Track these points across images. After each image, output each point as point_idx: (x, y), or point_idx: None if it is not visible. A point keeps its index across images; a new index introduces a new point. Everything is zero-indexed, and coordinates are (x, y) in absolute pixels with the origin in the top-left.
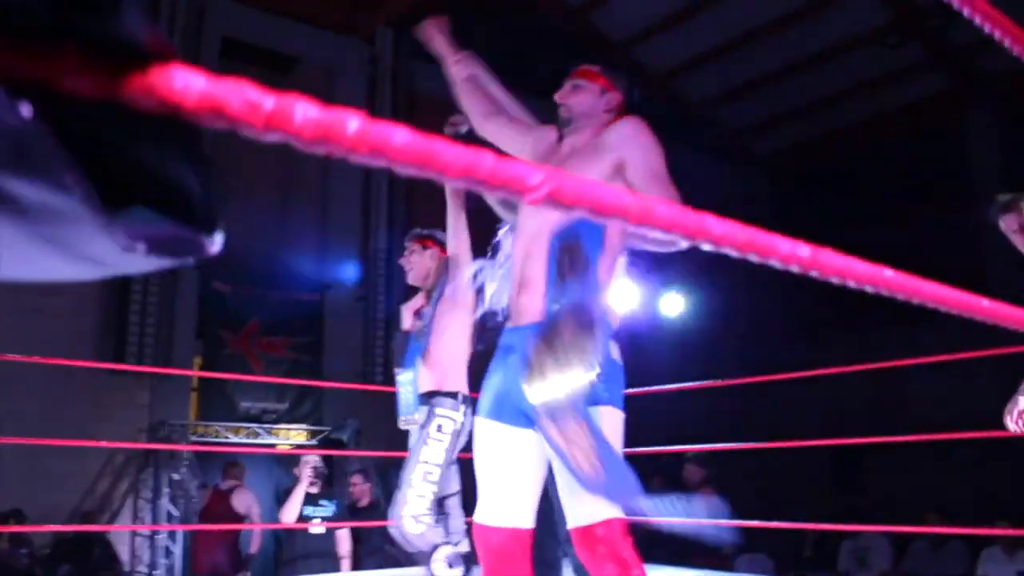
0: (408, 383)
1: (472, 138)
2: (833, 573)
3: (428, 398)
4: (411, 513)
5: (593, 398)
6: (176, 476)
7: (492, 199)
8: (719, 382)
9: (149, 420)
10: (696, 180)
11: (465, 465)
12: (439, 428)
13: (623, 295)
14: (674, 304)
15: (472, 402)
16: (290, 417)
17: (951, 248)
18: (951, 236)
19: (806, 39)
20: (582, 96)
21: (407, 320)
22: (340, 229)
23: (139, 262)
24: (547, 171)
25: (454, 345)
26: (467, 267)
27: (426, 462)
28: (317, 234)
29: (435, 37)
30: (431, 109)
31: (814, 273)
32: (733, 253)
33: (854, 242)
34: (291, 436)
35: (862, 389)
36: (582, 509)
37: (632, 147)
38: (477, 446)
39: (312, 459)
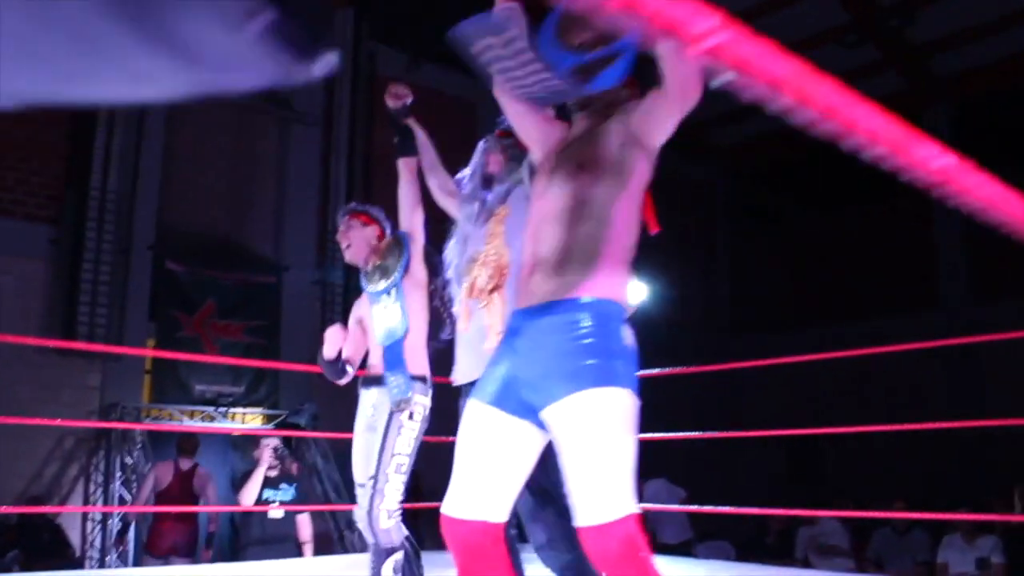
0: (399, 366)
1: (371, 105)
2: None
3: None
4: (387, 507)
5: (602, 379)
6: (129, 460)
7: (435, 187)
8: (679, 369)
9: (100, 403)
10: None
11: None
12: (411, 416)
13: (634, 286)
14: (637, 292)
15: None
16: (246, 401)
17: (903, 238)
18: (901, 230)
19: (764, 36)
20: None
21: (331, 347)
22: (298, 210)
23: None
24: (716, 19)
25: (416, 324)
26: (420, 243)
27: (399, 453)
28: (274, 215)
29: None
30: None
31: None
32: (873, 150)
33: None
34: (247, 420)
35: (820, 380)
36: (596, 505)
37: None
38: (465, 432)
39: (272, 441)
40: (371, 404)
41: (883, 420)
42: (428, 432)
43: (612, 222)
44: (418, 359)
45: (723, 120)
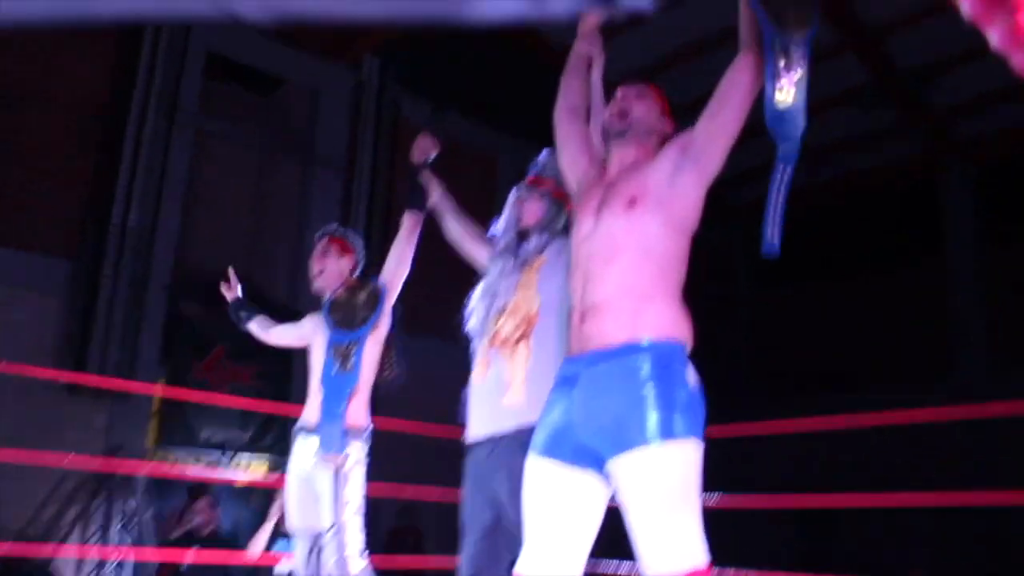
0: (337, 420)
1: (393, 151)
2: None
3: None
4: (353, 552)
5: (668, 431)
6: (130, 504)
7: (460, 234)
8: None
9: (105, 444)
10: None
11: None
12: (356, 463)
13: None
14: None
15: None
16: (253, 447)
17: (920, 304)
18: (922, 293)
19: None
20: (646, 108)
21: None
22: None
23: None
24: None
25: (365, 377)
26: (394, 298)
27: (351, 500)
28: (291, 259)
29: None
30: (413, 137)
31: None
32: None
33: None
34: (253, 467)
35: (834, 447)
36: (667, 557)
37: (688, 132)
38: (528, 487)
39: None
40: (310, 455)
41: (898, 490)
42: (428, 481)
43: (667, 259)
44: (359, 410)
45: (739, 180)
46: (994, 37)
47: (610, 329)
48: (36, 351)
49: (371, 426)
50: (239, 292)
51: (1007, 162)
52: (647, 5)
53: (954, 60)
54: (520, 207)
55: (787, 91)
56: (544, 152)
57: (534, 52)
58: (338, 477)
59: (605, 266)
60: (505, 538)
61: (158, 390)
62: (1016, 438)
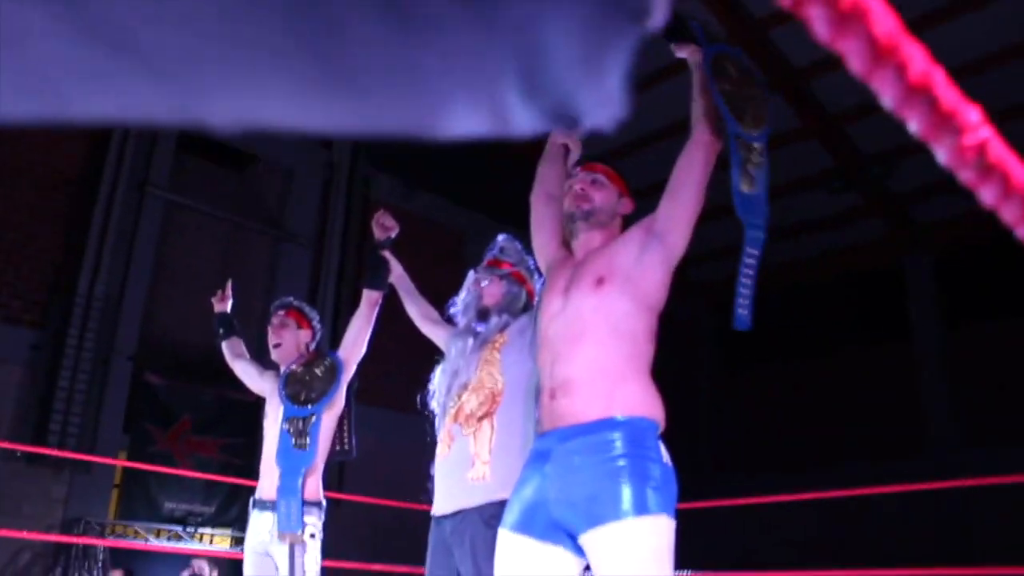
0: (294, 496)
1: (364, 230)
2: None
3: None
4: None
5: (642, 506)
6: None
7: (417, 315)
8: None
9: (63, 516)
10: None
11: None
12: (312, 536)
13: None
14: None
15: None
16: (216, 521)
17: (887, 384)
18: (888, 372)
19: None
20: (604, 193)
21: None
22: None
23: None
24: (980, 119)
25: (321, 452)
26: (350, 375)
27: (309, 570)
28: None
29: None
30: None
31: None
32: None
33: (795, 371)
34: (216, 541)
35: (802, 522)
36: None
37: (651, 215)
38: (501, 563)
39: (197, 562)
40: (266, 530)
41: (867, 565)
42: (405, 560)
43: (636, 337)
44: (314, 485)
45: (703, 257)
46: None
47: (582, 406)
48: None
49: (324, 500)
50: (228, 307)
51: (967, 245)
52: (608, 125)
53: (914, 146)
54: (479, 288)
55: (752, 180)
56: (503, 236)
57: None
58: (294, 550)
59: (574, 344)
60: None
61: (119, 462)
62: (987, 510)
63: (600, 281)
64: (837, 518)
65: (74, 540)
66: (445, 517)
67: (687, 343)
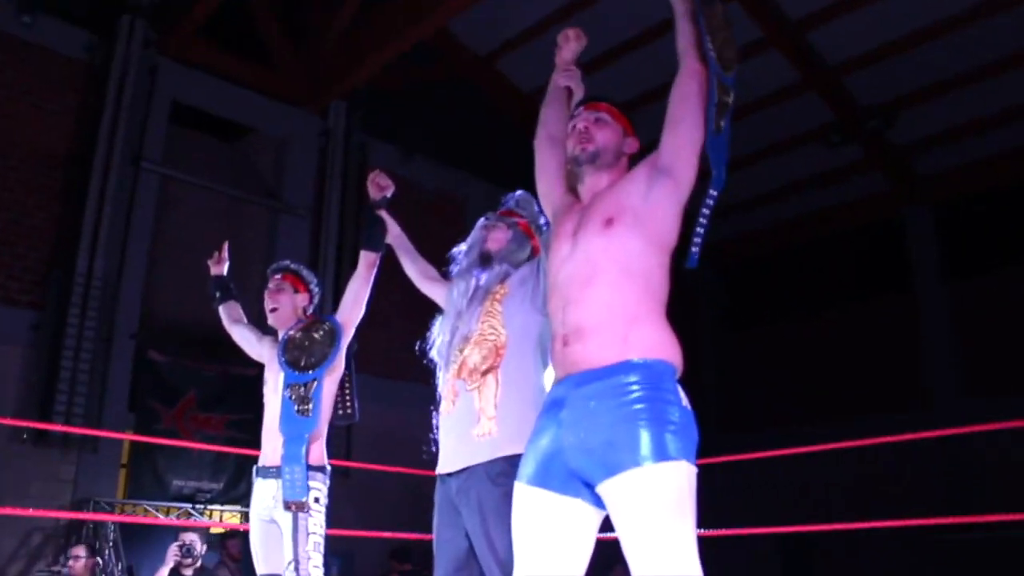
0: (299, 463)
1: (393, 205)
2: None
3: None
4: None
5: (662, 451)
6: (99, 559)
7: (415, 273)
8: None
9: (72, 497)
10: None
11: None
12: (316, 500)
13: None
14: None
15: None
16: (224, 498)
17: (889, 337)
18: (890, 325)
19: (749, 135)
20: (608, 131)
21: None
22: None
23: None
24: None
25: (323, 417)
26: (349, 337)
27: (313, 532)
28: (259, 305)
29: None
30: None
31: None
32: None
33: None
34: (225, 518)
35: (811, 478)
36: None
37: (655, 152)
38: (518, 518)
39: (188, 536)
40: (271, 495)
41: (876, 517)
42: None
43: (650, 276)
44: (318, 450)
45: (712, 219)
46: None
47: (597, 350)
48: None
49: (328, 465)
50: (224, 270)
51: (968, 196)
52: None
53: (914, 97)
54: (485, 232)
55: (722, 119)
56: (521, 192)
57: (500, 96)
58: (298, 515)
59: (585, 288)
60: (478, 570)
61: (125, 435)
62: (988, 461)
63: (609, 222)
64: (843, 472)
65: (83, 516)
66: (451, 475)
67: (689, 304)
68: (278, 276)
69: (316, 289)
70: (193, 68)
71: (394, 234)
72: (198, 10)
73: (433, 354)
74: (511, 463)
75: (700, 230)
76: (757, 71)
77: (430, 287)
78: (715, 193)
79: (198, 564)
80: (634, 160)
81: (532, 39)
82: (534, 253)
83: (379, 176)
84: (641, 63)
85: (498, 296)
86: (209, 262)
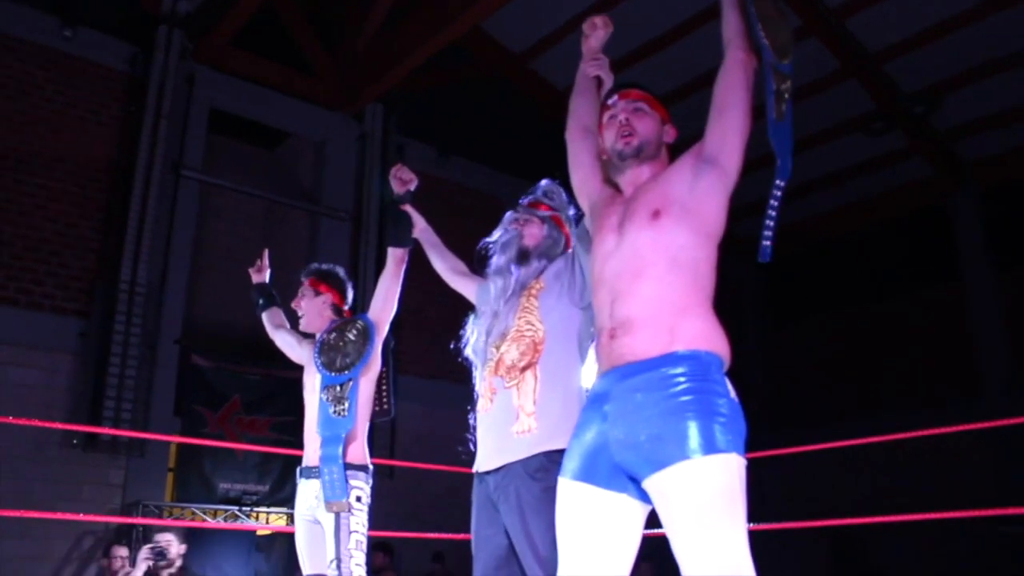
0: (336, 464)
1: (432, 211)
2: None
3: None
4: None
5: (711, 444)
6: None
7: (444, 269)
8: None
9: (122, 501)
10: None
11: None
12: (358, 499)
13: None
14: None
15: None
16: (270, 500)
17: (939, 327)
18: (939, 315)
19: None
20: (648, 121)
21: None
22: None
23: None
24: None
25: (361, 416)
26: (384, 335)
27: (356, 531)
28: None
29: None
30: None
31: None
32: None
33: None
34: (271, 520)
35: (863, 471)
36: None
37: (700, 142)
38: (562, 514)
39: (163, 537)
40: (313, 496)
41: (929, 510)
42: (462, 528)
43: (697, 267)
44: (358, 449)
45: (748, 211)
46: None
47: (644, 343)
48: (48, 410)
49: (371, 464)
50: (265, 277)
51: (1013, 181)
52: None
53: (957, 82)
54: (520, 227)
55: (781, 111)
56: (546, 180)
57: (536, 94)
58: (339, 514)
59: (634, 281)
60: (519, 567)
61: (174, 438)
62: None
63: (656, 214)
64: (895, 464)
65: (133, 521)
66: (488, 473)
67: (733, 299)
68: (302, 283)
69: (344, 285)
70: (229, 76)
71: (420, 227)
72: (232, 18)
73: (468, 352)
74: (550, 458)
75: (770, 223)
76: (796, 60)
77: (460, 282)
78: (782, 183)
79: (175, 567)
80: (674, 151)
81: (566, 36)
82: (566, 245)
83: (401, 171)
84: (678, 56)
85: (534, 291)
86: (250, 270)
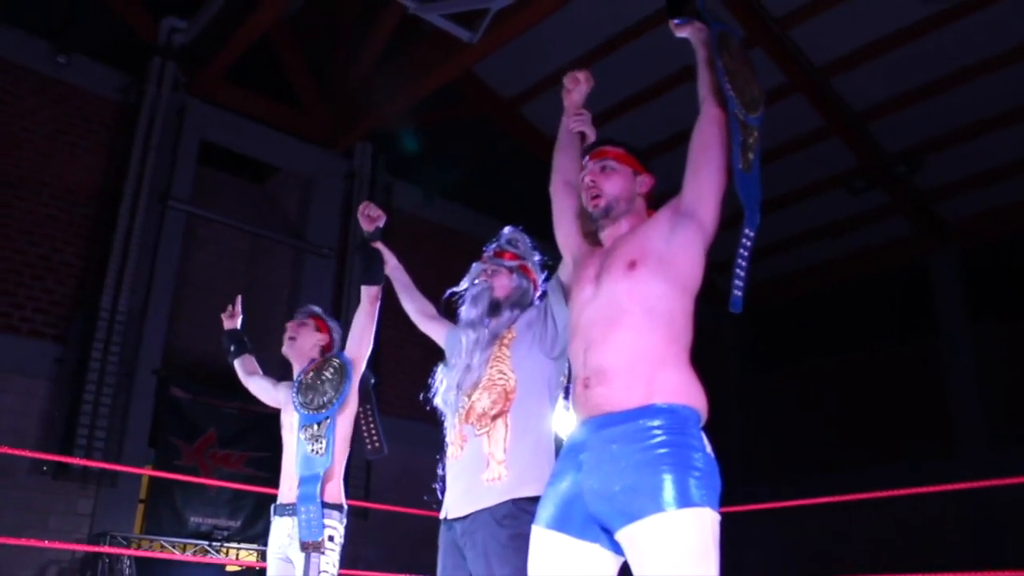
0: (314, 503)
1: (385, 237)
2: None
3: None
4: None
5: (685, 498)
6: None
7: (413, 311)
8: None
9: (90, 531)
10: None
11: None
12: (330, 538)
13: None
14: None
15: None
16: (241, 536)
17: (915, 384)
18: (916, 371)
19: (772, 181)
20: (616, 179)
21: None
22: None
23: None
24: None
25: (339, 455)
26: (361, 372)
27: (325, 571)
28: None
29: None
30: (405, 223)
31: None
32: None
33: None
34: (242, 556)
35: (832, 527)
36: None
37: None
38: (535, 562)
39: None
40: (286, 533)
41: (898, 568)
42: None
43: (673, 320)
44: (335, 488)
45: (727, 264)
46: None
47: (620, 393)
48: (21, 434)
49: (345, 504)
50: (237, 324)
51: (993, 241)
52: None
53: (939, 143)
54: (489, 279)
55: (749, 162)
56: (508, 228)
57: (524, 139)
58: (310, 553)
59: (609, 330)
60: None
61: (145, 471)
62: (1020, 510)
63: (632, 264)
64: (867, 520)
65: (99, 550)
66: (456, 520)
67: (712, 349)
68: (304, 315)
69: (337, 336)
70: (221, 109)
71: (391, 265)
72: (226, 52)
73: (437, 401)
74: (518, 506)
75: (740, 272)
76: (781, 116)
77: (429, 325)
78: (751, 233)
79: None
80: (654, 199)
81: (556, 83)
82: (535, 291)
83: (368, 207)
84: (665, 109)
85: (506, 341)
86: (223, 316)
